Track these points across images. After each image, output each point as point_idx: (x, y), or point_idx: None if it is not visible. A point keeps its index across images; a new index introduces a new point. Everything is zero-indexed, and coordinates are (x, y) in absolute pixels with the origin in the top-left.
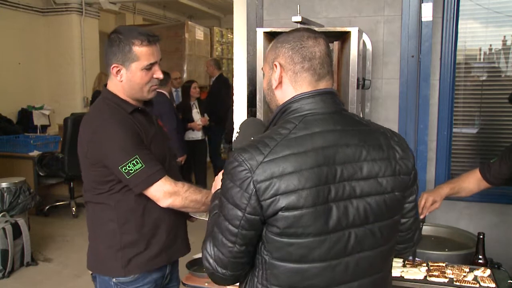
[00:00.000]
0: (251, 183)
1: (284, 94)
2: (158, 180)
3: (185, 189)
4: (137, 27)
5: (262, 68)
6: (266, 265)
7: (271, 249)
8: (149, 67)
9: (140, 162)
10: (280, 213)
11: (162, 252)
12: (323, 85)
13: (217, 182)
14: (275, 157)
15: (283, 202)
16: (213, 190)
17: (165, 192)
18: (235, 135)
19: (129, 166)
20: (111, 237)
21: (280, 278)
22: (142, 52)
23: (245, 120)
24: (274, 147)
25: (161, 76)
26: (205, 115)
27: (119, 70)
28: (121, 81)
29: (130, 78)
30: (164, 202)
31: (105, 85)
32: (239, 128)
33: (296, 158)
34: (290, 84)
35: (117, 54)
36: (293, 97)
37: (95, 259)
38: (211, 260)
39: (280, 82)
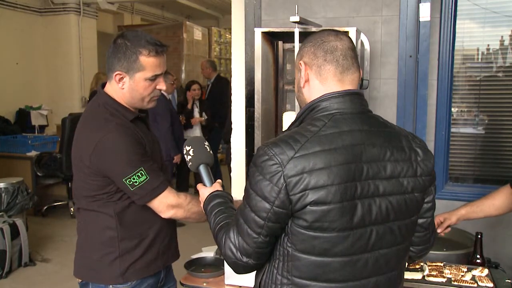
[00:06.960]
0: (282, 178)
1: (311, 90)
2: (162, 192)
3: (188, 201)
4: (145, 33)
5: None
6: (289, 257)
7: (295, 241)
8: (153, 78)
9: (145, 174)
10: (308, 207)
11: (158, 258)
12: (348, 77)
13: (201, 191)
14: (305, 152)
15: (312, 196)
16: (201, 200)
17: (168, 205)
18: (188, 154)
19: (133, 178)
20: (109, 244)
21: (302, 270)
22: (148, 62)
23: (193, 138)
24: (305, 143)
25: (164, 87)
26: (203, 114)
27: (122, 77)
28: (123, 88)
29: (132, 87)
30: (166, 214)
31: (102, 85)
32: (190, 146)
33: (326, 155)
34: (316, 78)
35: (122, 61)
36: (322, 96)
37: (88, 267)
38: (234, 250)
39: (306, 80)
